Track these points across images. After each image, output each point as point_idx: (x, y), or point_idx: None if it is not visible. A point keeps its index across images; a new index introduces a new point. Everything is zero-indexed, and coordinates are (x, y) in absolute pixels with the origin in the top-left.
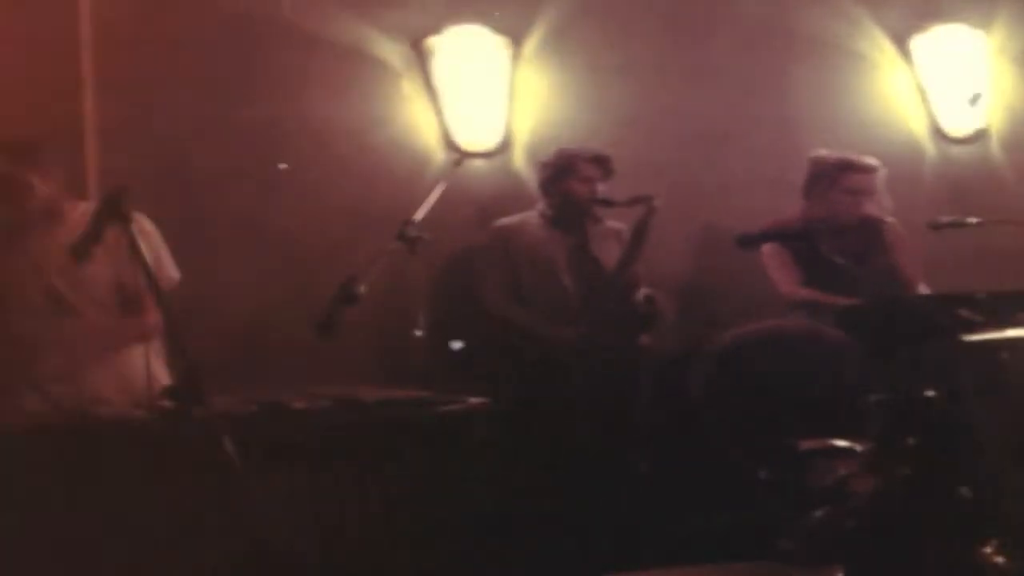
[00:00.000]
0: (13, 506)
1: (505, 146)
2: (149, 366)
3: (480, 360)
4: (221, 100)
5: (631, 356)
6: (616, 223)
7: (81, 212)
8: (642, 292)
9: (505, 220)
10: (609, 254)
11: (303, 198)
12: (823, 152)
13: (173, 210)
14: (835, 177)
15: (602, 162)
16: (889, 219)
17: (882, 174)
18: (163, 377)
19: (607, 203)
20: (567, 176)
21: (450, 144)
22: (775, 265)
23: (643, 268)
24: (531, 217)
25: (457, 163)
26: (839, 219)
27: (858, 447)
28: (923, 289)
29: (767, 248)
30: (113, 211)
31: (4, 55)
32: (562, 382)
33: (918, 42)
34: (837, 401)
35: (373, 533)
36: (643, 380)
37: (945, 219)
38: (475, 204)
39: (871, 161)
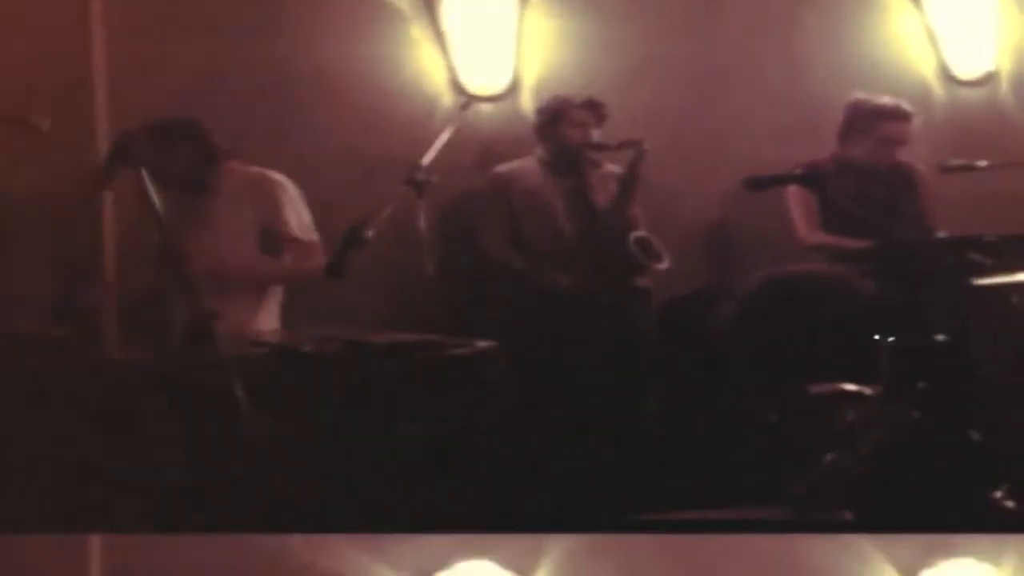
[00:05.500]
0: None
1: (513, 90)
2: None
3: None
4: (230, 43)
5: (630, 299)
6: (616, 167)
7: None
8: (634, 235)
9: (503, 166)
10: (608, 198)
11: (311, 141)
12: (862, 96)
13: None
14: (872, 124)
15: (595, 107)
16: (920, 166)
17: (918, 121)
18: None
19: (599, 147)
20: (560, 122)
21: (458, 87)
22: (798, 207)
23: (645, 211)
24: (529, 163)
25: (465, 106)
26: (873, 165)
27: (868, 391)
28: (942, 234)
29: (792, 191)
30: (122, 156)
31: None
32: (563, 326)
33: None
34: (851, 345)
35: (382, 476)
36: (645, 323)
37: (955, 162)
38: (483, 147)
39: (908, 108)
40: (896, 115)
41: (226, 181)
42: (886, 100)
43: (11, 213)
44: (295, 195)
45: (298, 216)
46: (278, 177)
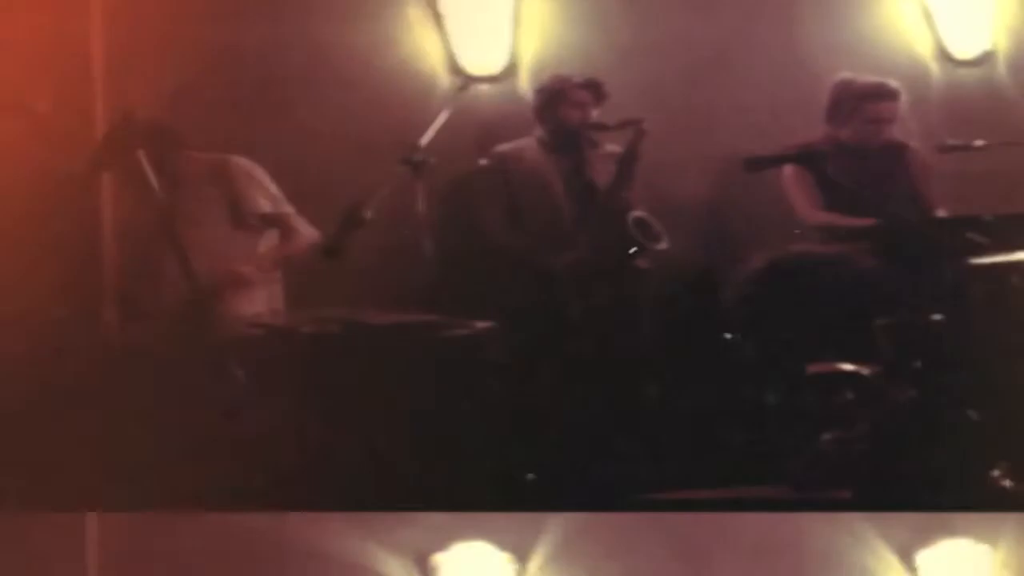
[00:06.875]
0: None
1: (510, 70)
2: None
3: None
4: (227, 25)
5: (629, 279)
6: (615, 147)
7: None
8: (633, 215)
9: (503, 146)
10: (607, 178)
11: (308, 123)
12: (848, 76)
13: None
14: (858, 104)
15: (594, 87)
16: (913, 144)
17: (906, 99)
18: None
19: (598, 127)
20: (559, 102)
21: (455, 68)
22: (796, 187)
23: (644, 191)
24: (528, 143)
25: (462, 87)
26: (863, 145)
27: (866, 371)
28: (940, 214)
29: (788, 170)
30: (120, 139)
31: None
32: (562, 306)
33: None
34: (849, 325)
35: (380, 455)
36: (644, 303)
37: (952, 142)
38: (481, 128)
39: (895, 86)
40: (882, 94)
41: (187, 171)
42: (871, 79)
43: (10, 196)
44: (258, 173)
45: (265, 191)
46: (237, 160)
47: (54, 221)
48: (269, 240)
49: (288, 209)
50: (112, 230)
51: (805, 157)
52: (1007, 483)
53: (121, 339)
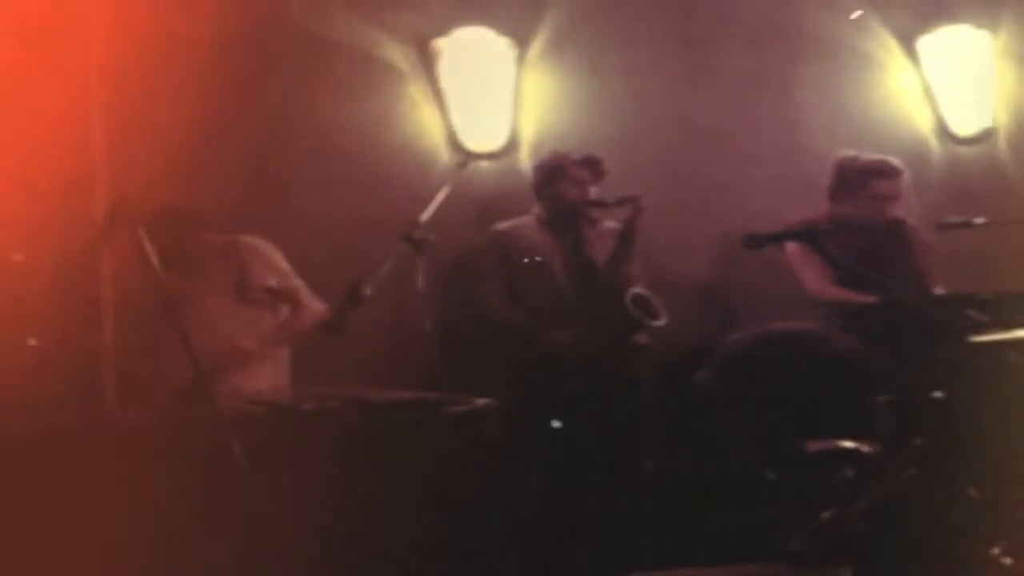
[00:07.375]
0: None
1: (511, 147)
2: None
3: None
4: (229, 103)
5: (628, 356)
6: (614, 224)
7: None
8: (631, 292)
9: (502, 224)
10: (606, 255)
11: (310, 200)
12: (851, 153)
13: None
14: (863, 182)
15: (593, 164)
16: (913, 220)
17: (907, 176)
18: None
19: (597, 204)
20: (558, 179)
21: (456, 145)
22: (804, 264)
23: (644, 268)
24: (528, 220)
25: (463, 164)
26: (865, 222)
27: (865, 448)
28: (939, 291)
29: (793, 248)
30: (121, 217)
31: (12, 60)
32: (562, 383)
33: (924, 42)
34: (845, 403)
35: (380, 534)
36: (644, 380)
37: (952, 219)
38: (481, 205)
39: (898, 164)
40: (886, 171)
41: (196, 251)
42: (875, 157)
43: (10, 274)
44: (267, 249)
45: (273, 267)
46: (246, 238)
47: (54, 299)
48: (277, 315)
49: (296, 283)
50: (113, 308)
51: (804, 234)
52: (1007, 561)
53: (122, 417)
